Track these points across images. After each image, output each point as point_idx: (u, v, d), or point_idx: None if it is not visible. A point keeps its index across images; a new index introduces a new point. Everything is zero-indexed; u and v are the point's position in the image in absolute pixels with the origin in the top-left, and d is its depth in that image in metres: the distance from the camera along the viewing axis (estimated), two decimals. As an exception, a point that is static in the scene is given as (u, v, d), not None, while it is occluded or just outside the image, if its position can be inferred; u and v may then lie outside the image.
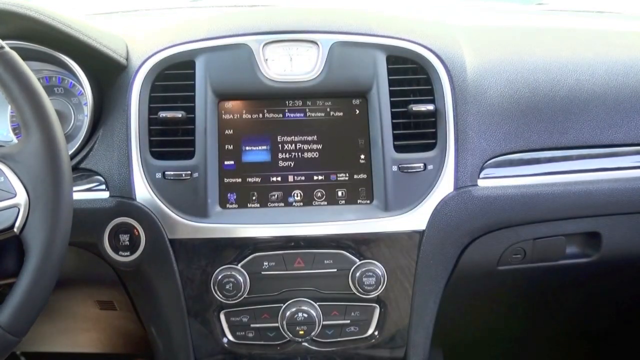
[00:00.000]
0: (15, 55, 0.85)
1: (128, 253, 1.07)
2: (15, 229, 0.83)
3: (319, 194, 1.09)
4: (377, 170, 1.09)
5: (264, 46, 1.10)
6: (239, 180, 1.09)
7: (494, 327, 1.79)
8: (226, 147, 1.09)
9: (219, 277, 1.07)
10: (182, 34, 1.12)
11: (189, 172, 1.06)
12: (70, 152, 1.10)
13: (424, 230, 1.09)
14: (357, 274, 1.08)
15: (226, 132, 1.09)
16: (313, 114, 1.11)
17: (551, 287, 1.50)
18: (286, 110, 1.11)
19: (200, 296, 1.10)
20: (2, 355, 0.84)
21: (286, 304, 1.11)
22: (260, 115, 1.10)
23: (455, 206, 1.10)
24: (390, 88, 1.10)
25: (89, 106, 1.11)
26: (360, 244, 1.09)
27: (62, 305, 1.40)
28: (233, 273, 1.07)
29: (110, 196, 1.08)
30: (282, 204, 1.09)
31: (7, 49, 0.84)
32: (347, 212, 1.08)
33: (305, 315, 1.10)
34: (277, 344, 1.14)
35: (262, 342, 1.13)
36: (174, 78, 1.10)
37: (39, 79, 0.96)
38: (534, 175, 1.16)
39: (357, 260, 1.09)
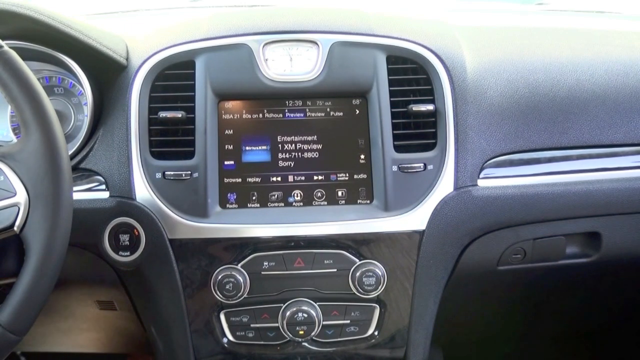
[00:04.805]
0: (14, 55, 0.85)
1: (128, 253, 1.07)
2: (15, 228, 0.83)
3: (319, 194, 1.09)
4: (377, 170, 1.09)
5: (264, 46, 1.10)
6: (239, 180, 1.09)
7: (494, 327, 1.79)
8: (226, 147, 1.09)
9: (219, 277, 1.07)
10: (182, 34, 1.12)
11: (189, 172, 1.06)
12: (70, 152, 1.10)
13: (424, 230, 1.09)
14: (357, 274, 1.08)
15: (226, 132, 1.09)
16: (313, 114, 1.11)
17: (551, 287, 1.50)
18: (286, 110, 1.11)
19: (200, 296, 1.10)
20: (3, 354, 0.84)
21: (286, 304, 1.11)
22: (260, 115, 1.10)
23: (455, 206, 1.10)
24: (390, 88, 1.10)
25: (89, 106, 1.11)
26: (360, 244, 1.09)
27: (62, 305, 1.40)
28: (233, 273, 1.07)
29: (110, 196, 1.08)
30: (282, 204, 1.09)
31: (6, 48, 0.84)
32: (347, 212, 1.08)
33: (305, 315, 1.10)
34: (277, 344, 1.14)
35: (262, 342, 1.13)
36: (174, 78, 1.10)
37: (39, 79, 0.96)
38: (534, 175, 1.16)
39: (357, 260, 1.09)
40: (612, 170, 1.19)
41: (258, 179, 1.09)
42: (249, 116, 1.10)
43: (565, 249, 1.24)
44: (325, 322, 1.11)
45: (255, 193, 1.09)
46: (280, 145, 1.10)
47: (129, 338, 1.65)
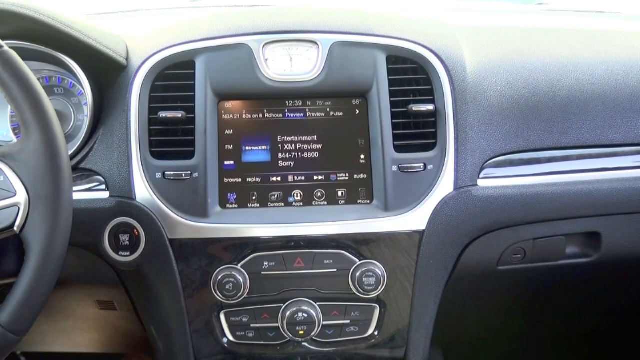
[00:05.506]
0: (14, 55, 0.85)
1: (128, 253, 1.07)
2: (15, 228, 0.83)
3: (319, 194, 1.09)
4: (377, 170, 1.09)
5: (264, 46, 1.10)
6: (239, 180, 1.09)
7: (494, 327, 1.79)
8: (226, 147, 1.09)
9: (219, 277, 1.07)
10: (182, 34, 1.12)
11: (189, 172, 1.06)
12: (70, 152, 1.10)
13: (424, 230, 1.09)
14: (357, 274, 1.08)
15: (226, 132, 1.09)
16: (313, 114, 1.11)
17: (551, 287, 1.50)
18: (286, 110, 1.11)
19: (200, 296, 1.10)
20: (3, 354, 0.84)
21: (286, 304, 1.11)
22: (260, 115, 1.10)
23: (455, 206, 1.10)
24: (390, 88, 1.10)
25: (89, 106, 1.11)
26: (360, 244, 1.09)
27: (62, 305, 1.40)
28: (233, 273, 1.07)
29: (110, 196, 1.08)
30: (282, 204, 1.09)
31: (6, 48, 0.84)
32: (347, 212, 1.08)
33: (305, 315, 1.10)
34: (277, 344, 1.14)
35: (262, 342, 1.13)
36: (174, 78, 1.10)
37: (39, 79, 0.96)
38: (534, 175, 1.16)
39: (357, 260, 1.09)
40: (612, 170, 1.19)
41: (258, 179, 1.09)
42: (249, 116, 1.10)
43: (565, 249, 1.24)
44: (325, 322, 1.11)
45: (255, 193, 1.09)
46: (280, 145, 1.10)
47: (129, 338, 1.66)
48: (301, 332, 1.10)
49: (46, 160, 0.83)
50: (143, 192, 1.06)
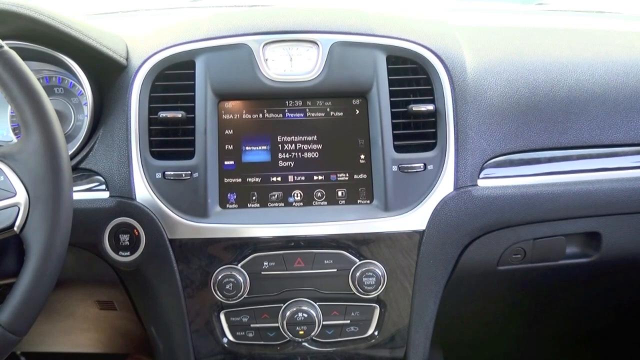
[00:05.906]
0: (14, 55, 0.85)
1: (128, 253, 1.07)
2: (15, 228, 0.83)
3: (319, 194, 1.09)
4: (377, 170, 1.09)
5: (264, 46, 1.10)
6: (239, 180, 1.09)
7: (494, 327, 1.79)
8: (226, 147, 1.09)
9: (219, 277, 1.07)
10: (182, 34, 1.12)
11: (189, 172, 1.06)
12: (70, 152, 1.10)
13: (424, 230, 1.09)
14: (357, 274, 1.08)
15: (226, 132, 1.09)
16: (313, 114, 1.11)
17: (551, 287, 1.50)
18: (286, 110, 1.11)
19: (200, 296, 1.10)
20: (3, 354, 0.84)
21: (286, 304, 1.11)
22: (260, 115, 1.10)
23: (455, 206, 1.10)
24: (390, 88, 1.10)
25: (89, 106, 1.11)
26: (360, 244, 1.09)
27: (62, 305, 1.40)
28: (233, 273, 1.07)
29: (110, 196, 1.08)
30: (282, 204, 1.09)
31: (6, 48, 0.84)
32: (347, 212, 1.08)
33: (305, 315, 1.10)
34: (277, 344, 1.14)
35: (262, 342, 1.13)
36: (174, 78, 1.10)
37: (39, 79, 0.96)
38: (534, 175, 1.16)
39: (357, 260, 1.09)
40: (612, 170, 1.19)
41: (258, 179, 1.09)
42: (249, 116, 1.10)
43: (565, 249, 1.24)
44: (325, 322, 1.11)
45: (255, 193, 1.09)
46: (280, 145, 1.10)
47: (129, 338, 1.65)
48: (301, 332, 1.10)
49: (46, 161, 0.83)
50: (143, 192, 1.06)
